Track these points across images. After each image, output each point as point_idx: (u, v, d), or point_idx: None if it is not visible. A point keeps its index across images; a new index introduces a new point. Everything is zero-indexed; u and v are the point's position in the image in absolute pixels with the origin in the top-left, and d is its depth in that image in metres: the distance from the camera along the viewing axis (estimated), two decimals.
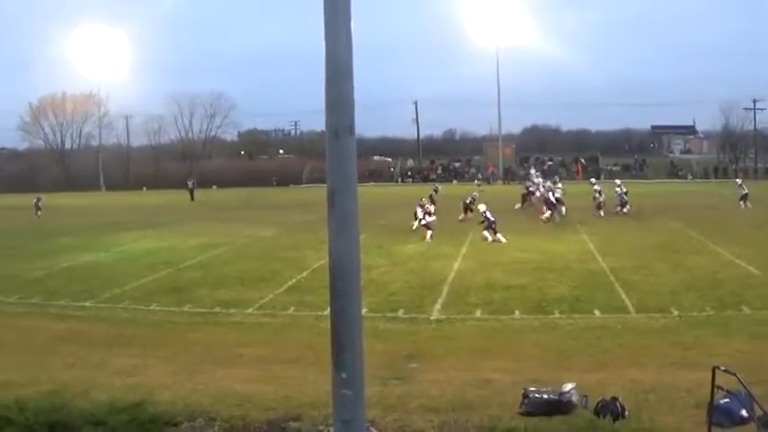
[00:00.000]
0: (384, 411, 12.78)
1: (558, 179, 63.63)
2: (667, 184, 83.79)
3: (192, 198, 75.92)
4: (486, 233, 37.45)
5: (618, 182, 52.99)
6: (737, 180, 57.26)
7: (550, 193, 47.88)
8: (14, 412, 11.92)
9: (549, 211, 45.87)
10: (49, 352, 18.68)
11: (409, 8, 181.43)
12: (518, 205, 54.50)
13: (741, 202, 50.77)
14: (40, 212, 57.99)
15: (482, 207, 39.45)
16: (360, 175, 6.82)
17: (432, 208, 41.31)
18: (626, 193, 49.70)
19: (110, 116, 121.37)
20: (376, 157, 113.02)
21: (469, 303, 23.55)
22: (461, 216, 47.56)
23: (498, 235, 36.86)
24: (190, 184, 79.70)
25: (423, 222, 38.92)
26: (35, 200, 59.27)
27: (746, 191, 51.57)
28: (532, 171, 69.98)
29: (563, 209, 47.04)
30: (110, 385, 14.94)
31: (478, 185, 72.72)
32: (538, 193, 52.61)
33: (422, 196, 45.99)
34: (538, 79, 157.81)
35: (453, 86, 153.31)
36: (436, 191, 56.35)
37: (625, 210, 48.55)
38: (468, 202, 48.38)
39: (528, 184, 58.39)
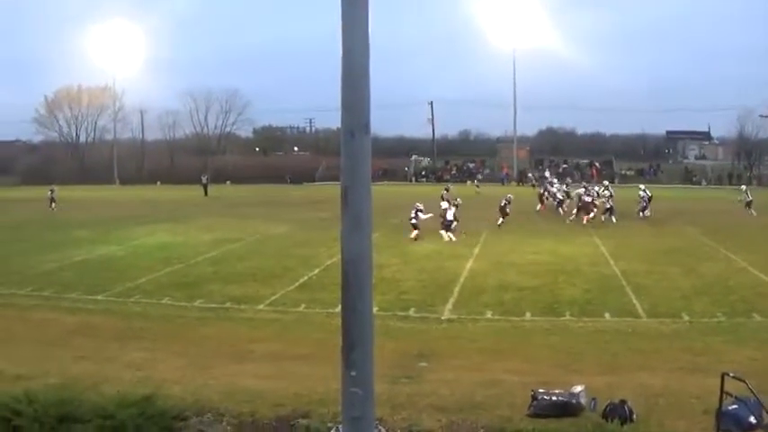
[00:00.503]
0: (393, 410, 12.80)
1: (570, 181, 63.64)
2: (681, 190, 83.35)
3: (206, 193, 75.90)
4: (442, 232, 38.17)
5: (642, 186, 53.00)
6: (742, 186, 57.14)
7: (587, 197, 48.00)
8: (24, 405, 11.97)
9: (591, 214, 46.16)
10: (61, 345, 18.76)
11: (426, 9, 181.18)
12: (539, 206, 54.57)
13: (747, 209, 50.64)
14: (54, 204, 58.01)
15: (444, 204, 40.40)
16: (373, 174, 6.84)
17: (445, 204, 41.28)
18: (650, 198, 49.74)
19: (125, 110, 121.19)
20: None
21: (481, 304, 23.58)
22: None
23: (450, 234, 37.86)
24: (204, 179, 79.59)
25: (414, 221, 38.93)
26: (49, 192, 59.27)
27: (751, 198, 51.42)
28: (547, 174, 69.75)
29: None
30: (120, 379, 14.99)
31: (477, 187, 72.80)
32: (560, 195, 52.45)
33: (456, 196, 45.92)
34: (554, 82, 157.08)
35: (469, 88, 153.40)
36: (447, 190, 56.45)
37: (646, 213, 48.51)
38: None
39: (545, 186, 58.29)
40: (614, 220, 46.27)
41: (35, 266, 31.18)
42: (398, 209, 50.59)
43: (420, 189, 71.57)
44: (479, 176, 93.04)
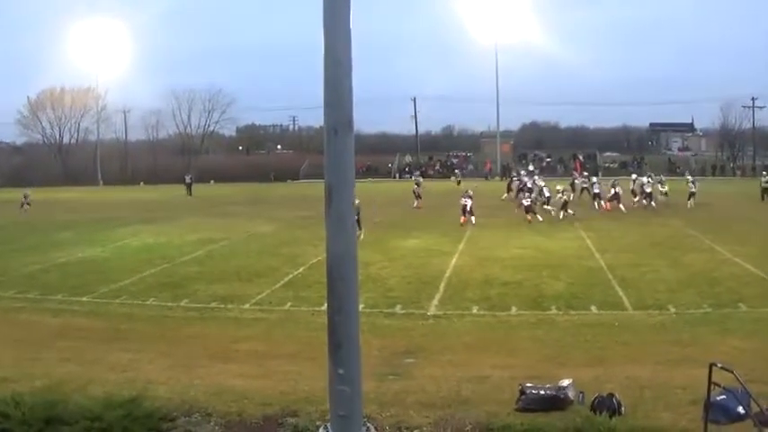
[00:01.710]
0: (381, 407, 12.79)
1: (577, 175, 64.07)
2: (665, 182, 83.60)
3: (190, 193, 75.69)
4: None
5: (690, 177, 54.86)
6: (688, 177, 57.41)
7: (614, 189, 49.74)
8: (11, 407, 11.91)
9: (615, 202, 49.11)
10: (46, 347, 18.67)
11: (408, 4, 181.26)
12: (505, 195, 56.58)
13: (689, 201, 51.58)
14: (27, 207, 57.68)
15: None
16: (357, 171, 6.83)
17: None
18: (654, 184, 51.55)
19: (108, 111, 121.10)
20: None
21: (466, 299, 23.58)
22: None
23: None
24: (188, 179, 79.40)
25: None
26: (23, 197, 58.78)
27: (695, 190, 52.07)
28: (531, 167, 69.70)
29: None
30: (106, 380, 14.94)
31: (458, 182, 73.05)
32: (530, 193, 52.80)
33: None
34: (537, 76, 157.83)
35: (453, 83, 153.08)
36: (418, 185, 57.00)
37: (652, 203, 49.48)
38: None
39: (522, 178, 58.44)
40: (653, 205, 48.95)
41: (18, 268, 31.05)
42: (383, 205, 50.80)
43: (404, 185, 71.47)
44: (457, 171, 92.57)
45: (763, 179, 56.54)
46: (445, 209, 49.49)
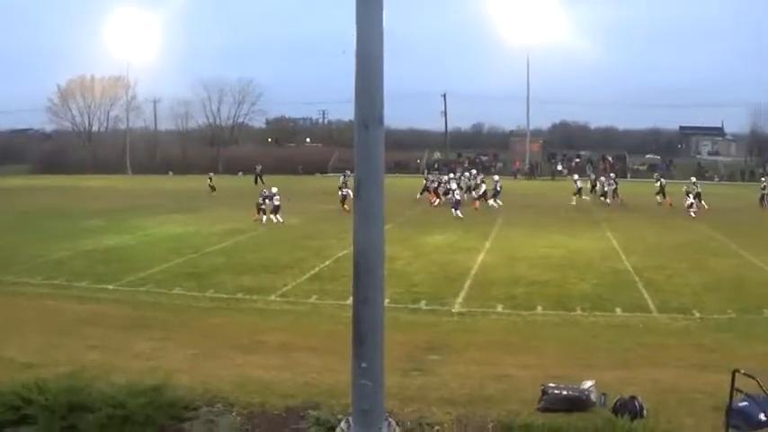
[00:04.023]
0: (403, 402, 12.78)
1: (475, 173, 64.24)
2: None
3: (262, 182, 75.37)
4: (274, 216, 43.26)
5: (693, 179, 55.85)
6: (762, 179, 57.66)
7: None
8: (34, 393, 11.97)
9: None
10: (71, 334, 18.79)
11: (441, 1, 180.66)
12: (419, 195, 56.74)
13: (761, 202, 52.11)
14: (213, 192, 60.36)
15: (274, 189, 45.08)
16: (386, 166, 6.83)
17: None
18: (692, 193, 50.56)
19: (137, 100, 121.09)
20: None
21: (492, 297, 23.57)
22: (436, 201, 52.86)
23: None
24: (257, 168, 79.53)
25: None
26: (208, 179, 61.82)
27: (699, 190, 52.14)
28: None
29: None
30: (130, 368, 14.99)
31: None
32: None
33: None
34: (568, 76, 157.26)
35: (483, 80, 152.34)
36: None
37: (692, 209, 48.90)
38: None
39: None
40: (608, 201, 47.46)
41: (45, 255, 31.30)
42: (412, 201, 50.83)
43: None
44: (435, 166, 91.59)
45: (762, 185, 56.51)
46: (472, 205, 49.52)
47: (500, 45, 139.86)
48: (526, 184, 78.54)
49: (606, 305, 22.40)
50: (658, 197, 53.17)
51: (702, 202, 50.37)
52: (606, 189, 55.61)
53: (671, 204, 51.29)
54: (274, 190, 45.22)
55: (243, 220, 43.39)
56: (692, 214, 46.69)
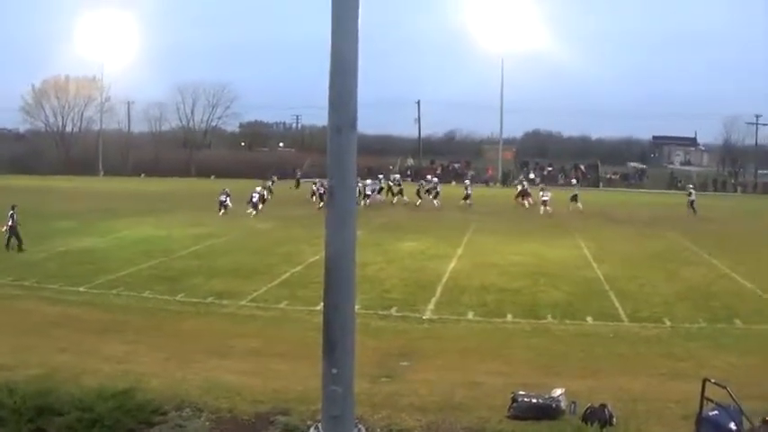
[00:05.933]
0: (373, 409, 12.80)
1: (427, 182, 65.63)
2: (666, 195, 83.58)
3: (298, 186, 75.65)
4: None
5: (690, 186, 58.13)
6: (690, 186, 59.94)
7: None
8: (4, 395, 11.91)
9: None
10: (42, 335, 18.72)
11: (416, 8, 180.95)
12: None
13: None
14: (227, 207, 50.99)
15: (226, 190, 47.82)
16: (358, 172, 6.84)
17: None
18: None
19: (111, 101, 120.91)
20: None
21: (463, 304, 23.57)
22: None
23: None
24: (298, 173, 79.84)
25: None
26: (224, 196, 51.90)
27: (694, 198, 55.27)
28: (532, 176, 69.51)
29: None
30: (100, 371, 14.96)
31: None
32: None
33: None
34: (542, 85, 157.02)
35: (457, 88, 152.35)
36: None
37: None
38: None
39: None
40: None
41: (17, 256, 31.18)
42: (383, 207, 50.87)
43: (405, 188, 71.32)
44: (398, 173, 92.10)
45: (687, 192, 58.47)
46: (445, 212, 49.60)
47: (474, 53, 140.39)
48: (498, 191, 78.64)
49: (577, 313, 22.44)
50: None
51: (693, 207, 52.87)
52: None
53: None
54: (227, 190, 49.88)
55: (215, 223, 43.26)
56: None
